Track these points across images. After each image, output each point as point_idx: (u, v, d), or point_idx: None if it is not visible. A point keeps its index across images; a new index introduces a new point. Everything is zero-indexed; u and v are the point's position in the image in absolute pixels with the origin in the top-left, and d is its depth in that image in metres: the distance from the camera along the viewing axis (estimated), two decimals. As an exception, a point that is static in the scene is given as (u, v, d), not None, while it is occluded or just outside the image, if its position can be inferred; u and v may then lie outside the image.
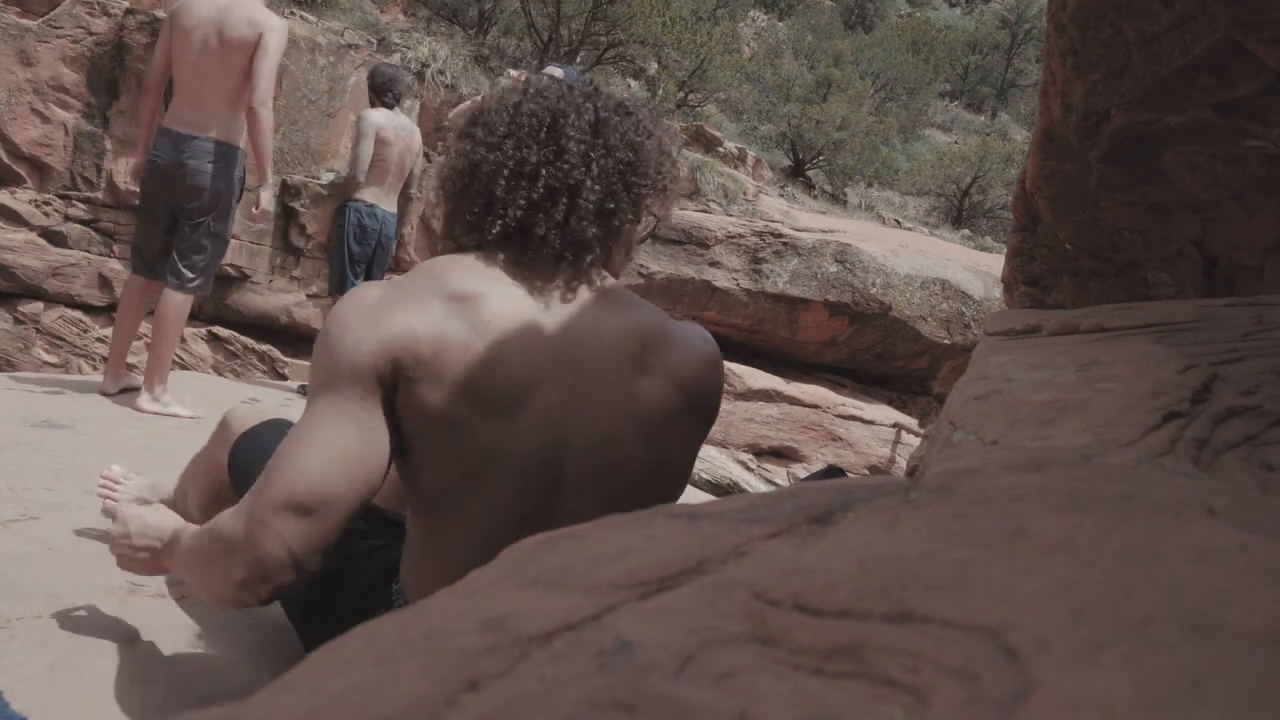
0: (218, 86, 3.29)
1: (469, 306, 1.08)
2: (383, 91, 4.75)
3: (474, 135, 1.19)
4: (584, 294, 1.16)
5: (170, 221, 3.39)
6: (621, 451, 1.12)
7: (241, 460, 1.44)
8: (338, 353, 1.05)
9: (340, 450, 1.04)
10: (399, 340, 1.04)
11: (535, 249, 1.14)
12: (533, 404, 1.09)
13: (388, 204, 4.80)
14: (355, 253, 4.70)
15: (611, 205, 1.17)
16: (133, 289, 3.48)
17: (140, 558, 1.27)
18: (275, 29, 3.34)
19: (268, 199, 3.54)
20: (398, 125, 4.75)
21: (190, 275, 3.38)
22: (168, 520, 1.27)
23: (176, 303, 3.37)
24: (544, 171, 1.14)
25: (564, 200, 1.14)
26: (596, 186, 1.15)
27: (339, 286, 4.73)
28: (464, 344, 1.06)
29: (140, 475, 1.82)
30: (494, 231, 1.14)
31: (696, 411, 1.19)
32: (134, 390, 3.44)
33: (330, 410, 1.05)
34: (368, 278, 4.82)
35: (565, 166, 1.14)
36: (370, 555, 1.31)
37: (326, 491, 1.03)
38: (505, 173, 1.14)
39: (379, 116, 4.68)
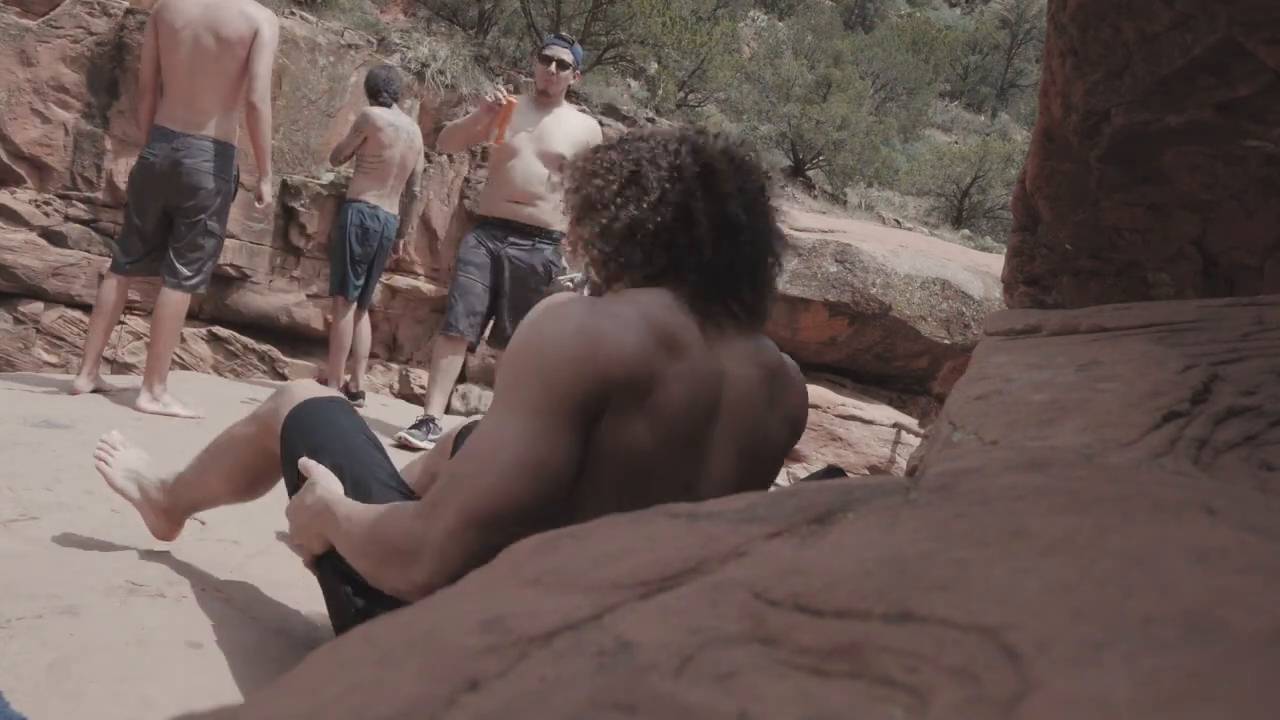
0: (213, 84, 3.29)
1: (674, 347, 1.09)
2: (377, 94, 4.80)
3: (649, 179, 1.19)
4: (746, 334, 1.22)
5: (161, 220, 3.38)
6: (746, 485, 1.18)
7: (300, 425, 1.45)
8: (552, 367, 1.04)
9: (540, 467, 1.04)
10: (617, 365, 1.05)
11: (726, 293, 1.18)
12: (709, 448, 1.13)
13: (389, 205, 4.83)
14: (357, 253, 4.72)
15: (768, 250, 1.23)
16: (110, 288, 3.45)
17: (314, 527, 1.27)
18: (269, 22, 3.35)
19: (269, 192, 3.58)
20: (398, 125, 4.77)
21: (188, 274, 3.38)
22: (332, 486, 1.29)
23: (175, 302, 3.38)
24: (730, 211, 1.18)
25: (747, 244, 1.19)
26: (759, 228, 1.21)
27: (340, 287, 4.74)
28: (670, 383, 1.07)
29: (138, 447, 1.82)
30: (693, 276, 1.17)
31: (794, 442, 1.30)
32: (105, 392, 3.44)
33: (534, 423, 1.04)
34: (368, 278, 4.85)
35: (738, 211, 1.19)
36: None
37: (521, 508, 1.03)
38: (701, 218, 1.17)
39: (377, 115, 4.70)
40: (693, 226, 1.16)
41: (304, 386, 1.55)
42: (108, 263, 6.33)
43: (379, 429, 4.04)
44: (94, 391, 3.41)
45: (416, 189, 5.14)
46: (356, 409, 1.63)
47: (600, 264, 1.22)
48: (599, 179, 1.22)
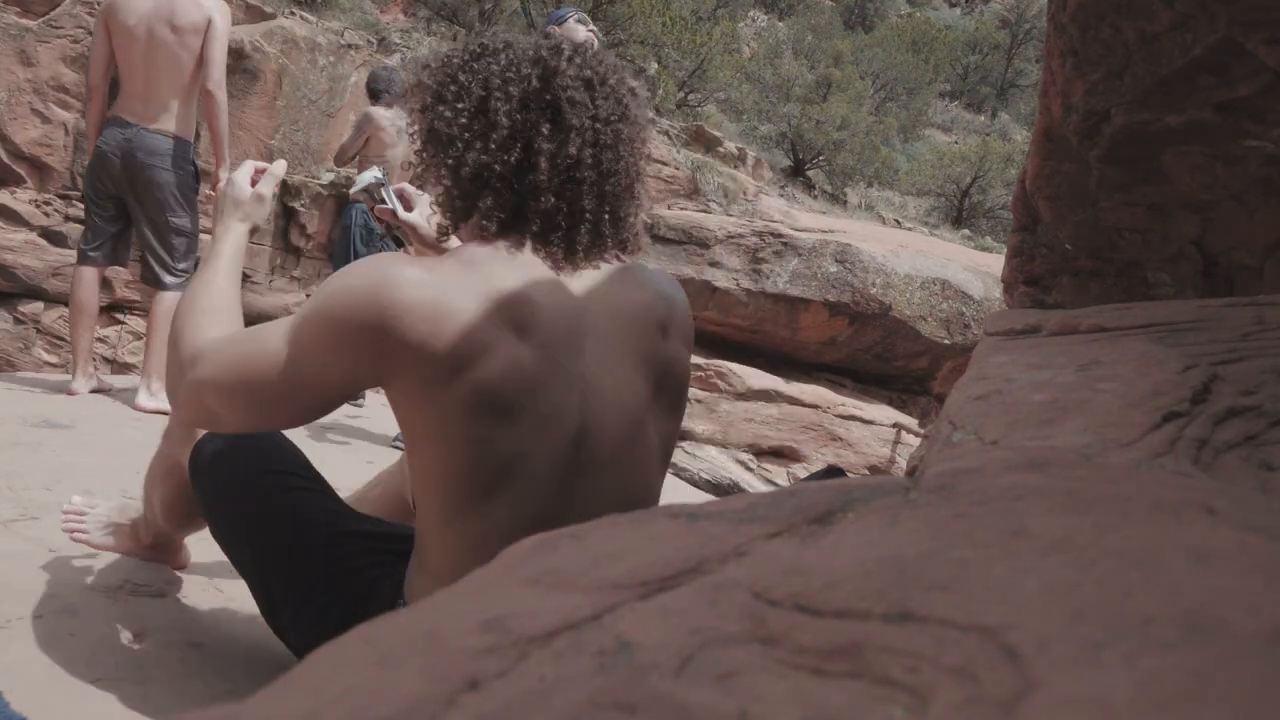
0: (170, 77, 3.29)
1: (516, 310, 1.05)
2: (378, 94, 4.79)
3: (470, 113, 1.11)
4: (609, 272, 1.16)
5: (120, 208, 3.38)
6: (647, 418, 1.15)
7: (204, 482, 1.32)
8: (365, 306, 1.01)
9: (284, 405, 1.07)
10: (445, 335, 1.01)
11: (567, 235, 1.12)
12: (561, 402, 1.07)
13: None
14: (361, 253, 4.68)
15: (623, 181, 1.15)
16: (82, 283, 3.42)
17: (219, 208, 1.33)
18: (221, 10, 3.37)
19: (225, 179, 3.56)
20: (400, 125, 4.75)
21: (167, 275, 3.39)
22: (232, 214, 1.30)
23: (166, 300, 3.38)
24: (570, 154, 1.10)
25: (589, 182, 1.11)
26: (606, 163, 1.12)
27: None
28: (509, 352, 1.03)
29: (104, 499, 1.73)
30: (535, 226, 1.11)
31: (689, 355, 1.26)
32: (106, 391, 3.44)
33: (315, 349, 1.03)
34: None
35: (583, 148, 1.11)
36: (378, 584, 1.23)
37: (239, 425, 1.12)
38: (543, 162, 1.09)
39: (379, 114, 4.69)
40: (534, 170, 1.09)
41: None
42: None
43: (379, 430, 4.03)
44: (94, 391, 3.40)
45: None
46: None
47: (447, 205, 1.16)
48: (446, 106, 1.12)
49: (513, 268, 1.09)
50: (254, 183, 1.34)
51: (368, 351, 1.02)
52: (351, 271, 1.07)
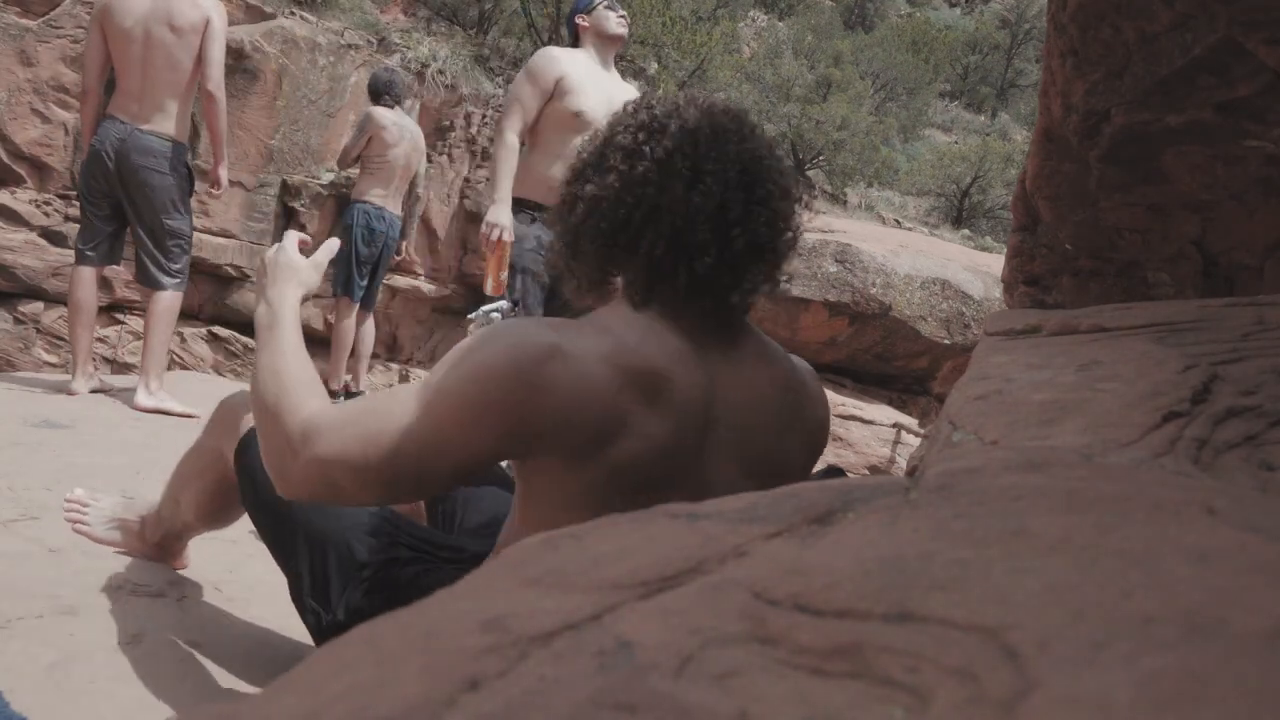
0: (168, 77, 3.30)
1: (654, 389, 1.00)
2: (379, 95, 4.80)
3: (638, 165, 1.06)
4: (748, 351, 1.11)
5: (115, 207, 3.39)
6: None
7: (255, 461, 1.32)
8: (511, 385, 0.96)
9: (414, 481, 1.02)
10: (591, 411, 0.97)
11: (714, 304, 1.07)
12: (695, 482, 1.03)
13: (394, 206, 4.82)
14: (363, 254, 4.70)
15: (768, 257, 1.10)
16: (79, 283, 3.42)
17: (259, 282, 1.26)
18: (218, 10, 3.38)
19: (225, 176, 3.62)
20: (402, 125, 4.77)
21: (163, 276, 3.40)
22: (286, 281, 1.24)
23: (163, 300, 3.39)
24: (732, 214, 1.05)
25: (740, 254, 1.06)
26: (761, 236, 1.07)
27: (344, 287, 4.72)
28: (651, 429, 0.99)
29: (107, 494, 1.74)
30: (684, 290, 1.05)
31: (813, 461, 1.19)
32: (106, 391, 3.45)
33: (434, 439, 0.98)
34: (372, 279, 4.83)
35: (738, 220, 1.06)
36: (416, 582, 1.23)
37: (371, 500, 1.05)
38: (702, 218, 1.04)
39: (381, 115, 4.70)
40: (687, 236, 1.04)
41: (245, 404, 1.41)
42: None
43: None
44: (94, 391, 3.40)
45: (419, 189, 5.13)
46: None
47: (591, 269, 1.12)
48: (605, 172, 1.09)
49: (654, 337, 1.04)
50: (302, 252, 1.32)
51: (514, 430, 0.98)
52: (490, 343, 1.01)
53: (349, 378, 4.89)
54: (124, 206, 3.37)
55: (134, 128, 3.28)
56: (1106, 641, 0.31)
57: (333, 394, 4.55)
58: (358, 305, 4.79)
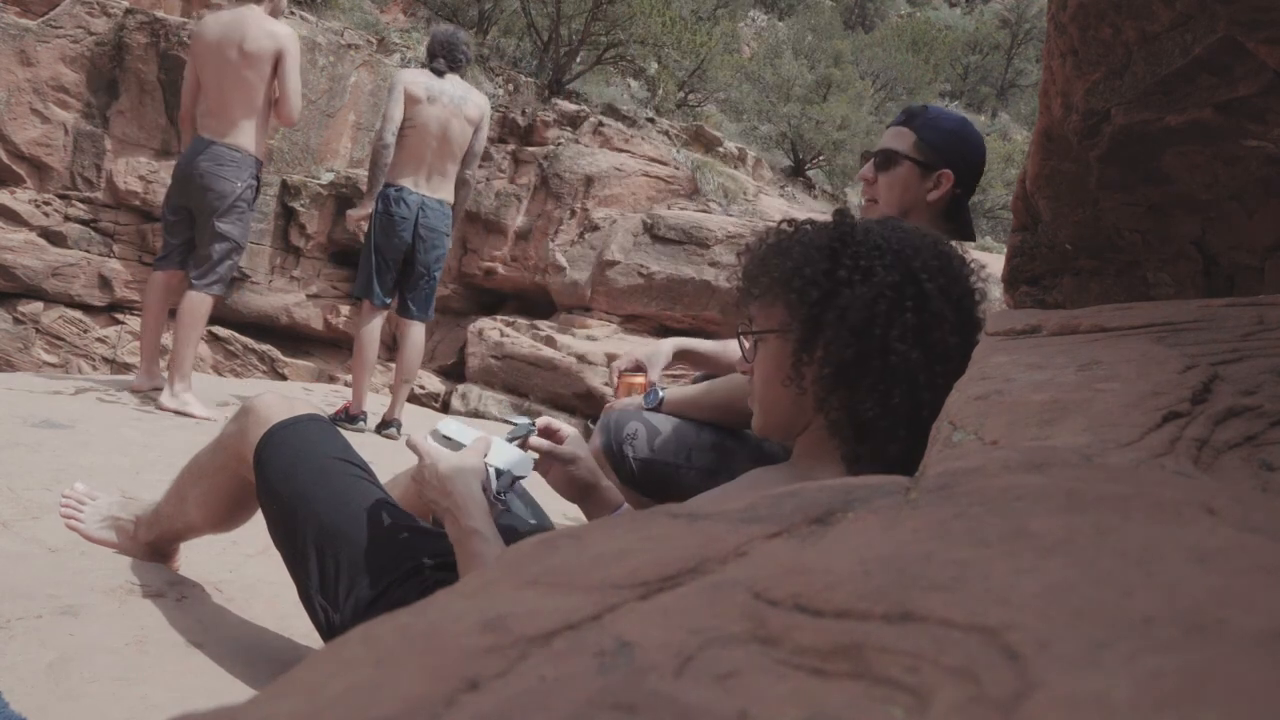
0: (239, 95, 3.50)
1: None
2: (431, 58, 3.99)
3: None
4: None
5: (187, 218, 3.59)
6: None
7: (275, 455, 1.35)
8: None
9: None
10: None
11: (881, 455, 1.09)
12: None
13: (428, 187, 3.87)
14: (383, 248, 3.82)
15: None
16: (150, 286, 3.65)
17: (429, 496, 1.20)
18: (291, 38, 3.58)
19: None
20: (441, 90, 3.87)
21: (196, 273, 3.52)
22: (474, 490, 1.18)
23: (192, 302, 3.49)
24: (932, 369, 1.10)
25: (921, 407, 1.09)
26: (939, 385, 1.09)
27: (364, 289, 3.88)
28: None
29: (106, 493, 1.74)
30: (864, 447, 1.07)
31: None
32: (162, 388, 3.55)
33: None
34: (406, 279, 3.89)
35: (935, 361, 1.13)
36: (436, 573, 1.24)
37: None
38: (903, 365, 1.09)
39: (409, 76, 3.89)
40: (890, 384, 1.07)
41: (269, 406, 1.42)
42: (107, 263, 6.37)
43: (378, 432, 4.03)
44: (153, 390, 3.54)
45: (468, 173, 4.06)
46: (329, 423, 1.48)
47: (813, 405, 1.13)
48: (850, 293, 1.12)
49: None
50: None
51: None
52: None
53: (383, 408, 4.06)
54: (193, 213, 3.58)
55: (211, 141, 3.48)
56: (1107, 641, 0.31)
57: (351, 419, 3.87)
58: (382, 310, 3.91)
